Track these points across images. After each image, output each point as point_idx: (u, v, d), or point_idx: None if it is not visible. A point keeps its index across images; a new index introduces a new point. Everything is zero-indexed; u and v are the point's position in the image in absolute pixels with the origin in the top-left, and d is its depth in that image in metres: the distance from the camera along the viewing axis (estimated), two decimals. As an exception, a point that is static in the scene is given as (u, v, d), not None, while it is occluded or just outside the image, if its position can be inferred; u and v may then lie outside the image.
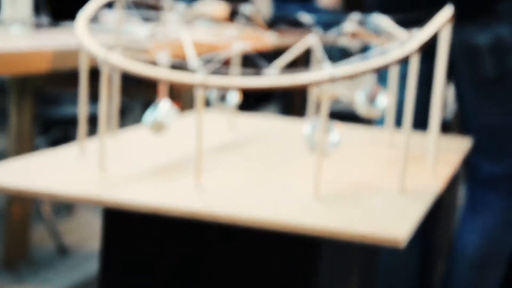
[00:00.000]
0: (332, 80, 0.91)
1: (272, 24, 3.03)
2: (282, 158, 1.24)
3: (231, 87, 0.94)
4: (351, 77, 0.92)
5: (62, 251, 2.57)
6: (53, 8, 1.93)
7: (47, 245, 2.62)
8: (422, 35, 0.99)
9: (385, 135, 1.40)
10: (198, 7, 2.52)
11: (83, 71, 1.12)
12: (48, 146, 3.36)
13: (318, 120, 0.98)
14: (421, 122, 1.52)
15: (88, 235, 2.80)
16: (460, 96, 1.75)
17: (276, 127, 1.53)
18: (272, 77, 0.94)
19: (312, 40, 1.00)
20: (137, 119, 4.72)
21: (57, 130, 3.44)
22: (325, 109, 0.95)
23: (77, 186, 0.99)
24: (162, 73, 0.96)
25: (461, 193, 2.22)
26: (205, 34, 2.26)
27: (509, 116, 1.69)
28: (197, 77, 0.93)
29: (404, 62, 0.96)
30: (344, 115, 2.02)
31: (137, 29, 1.69)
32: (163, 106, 1.05)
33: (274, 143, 1.37)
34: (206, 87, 0.94)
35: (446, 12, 1.07)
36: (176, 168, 1.12)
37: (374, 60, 0.94)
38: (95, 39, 1.06)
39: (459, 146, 1.43)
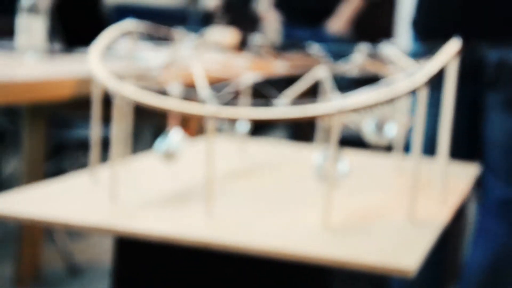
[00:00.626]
0: (341, 112, 0.93)
1: (282, 50, 3.04)
2: (292, 186, 1.25)
3: (241, 118, 0.95)
4: (360, 109, 0.94)
5: (73, 271, 2.59)
6: (67, 34, 1.96)
7: (58, 265, 2.64)
8: (430, 67, 1.00)
9: (394, 161, 1.41)
10: (208, 35, 2.55)
11: (96, 102, 1.14)
12: (60, 168, 3.38)
13: (328, 149, 1.00)
14: (459, 149, 1.52)
15: (98, 255, 2.81)
16: (485, 114, 1.74)
17: (286, 154, 1.54)
18: (282, 108, 0.96)
19: (322, 71, 1.02)
20: (148, 144, 4.74)
21: (70, 153, 3.46)
22: (334, 140, 0.97)
23: (89, 216, 1.01)
24: (174, 105, 0.98)
25: (474, 212, 2.20)
26: (216, 62, 2.28)
27: None
28: (208, 108, 0.95)
29: (413, 94, 0.97)
30: (353, 140, 2.03)
31: (150, 57, 1.71)
32: (174, 135, 1.06)
33: (283, 170, 1.38)
34: (217, 118, 0.95)
35: (454, 45, 1.08)
36: (187, 197, 1.13)
37: (383, 93, 0.95)
38: (108, 69, 1.07)
39: (468, 173, 1.43)
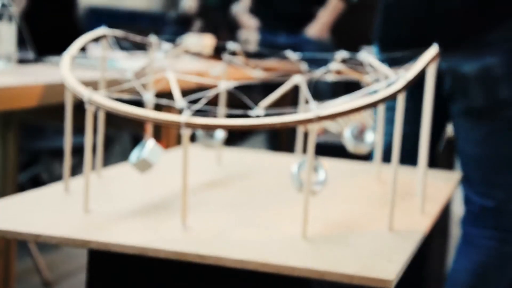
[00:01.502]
0: (318, 120, 0.91)
1: (260, 57, 3.02)
2: (269, 196, 1.23)
3: (216, 127, 0.93)
4: (337, 116, 0.92)
5: (47, 285, 2.54)
6: (37, 43, 1.92)
7: (32, 279, 2.59)
8: (408, 74, 0.99)
9: (373, 169, 1.39)
10: (184, 42, 2.52)
11: (68, 110, 1.11)
12: (33, 178, 3.33)
13: (305, 159, 0.98)
14: (411, 156, 1.50)
15: (73, 268, 2.76)
16: (454, 125, 1.74)
17: (263, 163, 1.52)
18: (257, 116, 0.94)
19: (299, 79, 1.00)
20: (125, 149, 4.69)
21: (42, 161, 3.41)
22: (311, 148, 0.95)
23: (62, 227, 0.98)
24: (148, 113, 0.95)
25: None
26: (192, 68, 2.25)
27: (496, 149, 1.67)
28: (182, 117, 0.93)
29: (390, 100, 0.96)
30: (333, 147, 2.02)
31: (125, 64, 1.69)
32: (149, 146, 1.04)
33: (261, 179, 1.36)
34: (191, 127, 0.93)
35: (432, 51, 1.07)
36: (162, 208, 1.11)
37: (361, 100, 0.94)
38: (82, 76, 1.05)
39: (448, 180, 1.42)
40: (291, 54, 1.27)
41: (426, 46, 1.53)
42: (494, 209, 1.66)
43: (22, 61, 1.82)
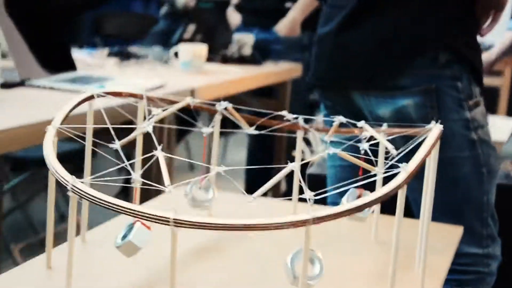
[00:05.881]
0: (315, 222, 0.86)
1: (257, 60, 2.94)
2: (263, 273, 1.17)
3: (208, 227, 0.88)
4: (335, 218, 0.87)
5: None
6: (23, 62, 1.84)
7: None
8: (410, 165, 0.93)
9: (369, 228, 1.33)
10: (177, 51, 2.44)
11: (51, 196, 1.05)
12: (17, 188, 3.25)
13: (299, 249, 0.93)
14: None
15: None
16: None
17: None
18: (249, 218, 0.89)
19: (293, 165, 0.95)
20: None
21: (26, 171, 3.33)
22: (307, 248, 0.90)
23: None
24: (135, 208, 0.90)
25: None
26: (187, 84, 2.19)
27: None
28: (169, 214, 0.87)
29: (390, 198, 0.91)
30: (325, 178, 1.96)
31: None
32: (136, 228, 0.99)
33: (255, 249, 1.28)
34: (180, 225, 0.88)
35: (433, 134, 1.01)
36: (149, 284, 1.06)
37: (357, 203, 0.88)
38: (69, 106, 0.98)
39: (449, 240, 1.35)
40: (287, 115, 1.21)
41: (342, 87, 1.53)
42: None
43: (6, 85, 1.75)
